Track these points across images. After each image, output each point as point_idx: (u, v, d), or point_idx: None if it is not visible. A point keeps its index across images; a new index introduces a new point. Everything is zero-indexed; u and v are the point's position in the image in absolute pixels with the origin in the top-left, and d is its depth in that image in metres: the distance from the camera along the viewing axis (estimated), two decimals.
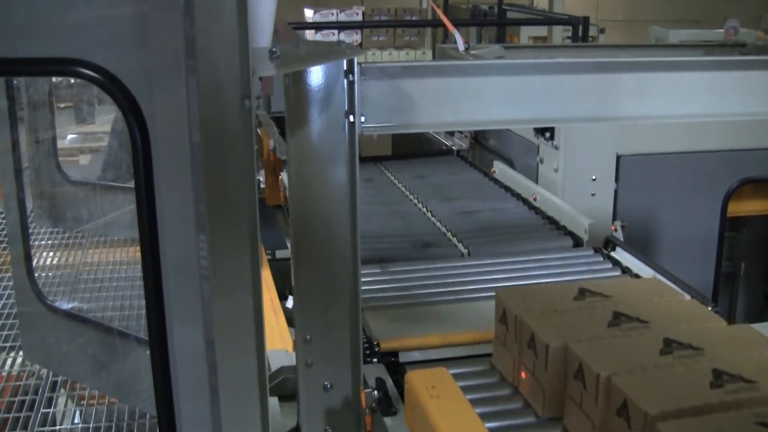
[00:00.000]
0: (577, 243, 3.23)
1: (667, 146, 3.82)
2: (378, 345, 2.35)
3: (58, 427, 2.69)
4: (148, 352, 1.46)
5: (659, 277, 2.70)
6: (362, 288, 2.15)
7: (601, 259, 3.05)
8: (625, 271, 2.92)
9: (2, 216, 3.70)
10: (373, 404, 2.04)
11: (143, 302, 1.44)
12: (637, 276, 2.88)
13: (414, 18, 10.08)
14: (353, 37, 9.46)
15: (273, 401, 2.48)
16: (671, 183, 3.89)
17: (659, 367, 1.86)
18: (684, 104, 2.07)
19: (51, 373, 2.92)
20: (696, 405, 1.71)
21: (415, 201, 3.74)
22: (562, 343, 1.96)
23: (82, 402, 2.83)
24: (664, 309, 2.17)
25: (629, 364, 1.85)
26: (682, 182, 3.90)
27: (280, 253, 5.73)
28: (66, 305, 2.99)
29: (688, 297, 2.33)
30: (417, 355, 2.38)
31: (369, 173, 4.20)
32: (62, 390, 2.89)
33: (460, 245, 3.20)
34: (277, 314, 3.32)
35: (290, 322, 2.96)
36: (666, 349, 1.93)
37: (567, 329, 2.03)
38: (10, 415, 2.66)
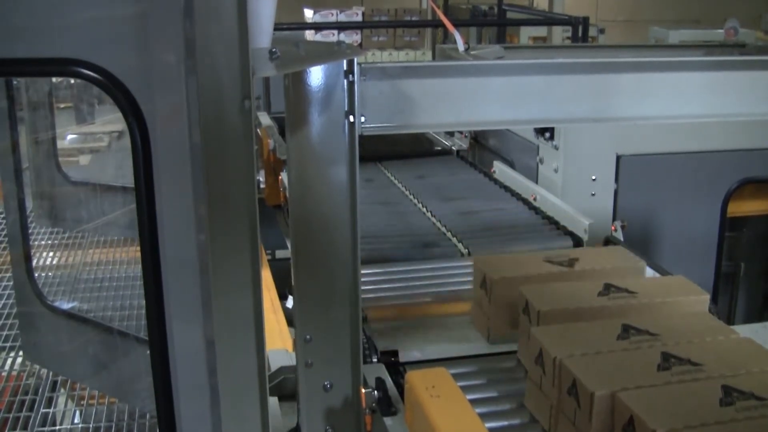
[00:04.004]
0: (577, 243, 3.23)
1: (667, 146, 3.82)
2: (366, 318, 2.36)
3: (58, 427, 2.69)
4: (148, 352, 1.46)
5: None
6: (362, 288, 2.15)
7: None
8: None
9: (2, 216, 3.71)
10: (373, 404, 2.03)
11: (143, 302, 1.44)
12: None
13: (414, 18, 10.07)
14: (353, 38, 9.45)
15: (273, 401, 2.48)
16: (671, 183, 3.88)
17: (722, 422, 1.68)
18: (684, 104, 2.06)
19: (51, 373, 2.92)
20: None
21: (415, 201, 3.74)
22: (609, 392, 1.79)
23: (82, 402, 2.83)
24: (715, 348, 2.01)
25: (687, 419, 1.68)
26: (682, 182, 3.89)
27: (280, 253, 5.74)
28: (66, 305, 2.99)
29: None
30: (417, 355, 2.38)
31: (369, 173, 4.20)
32: (62, 390, 2.89)
33: (460, 245, 3.20)
34: (277, 314, 3.33)
35: (290, 322, 2.96)
36: (726, 399, 1.75)
37: (613, 374, 1.86)
38: (10, 415, 2.66)
